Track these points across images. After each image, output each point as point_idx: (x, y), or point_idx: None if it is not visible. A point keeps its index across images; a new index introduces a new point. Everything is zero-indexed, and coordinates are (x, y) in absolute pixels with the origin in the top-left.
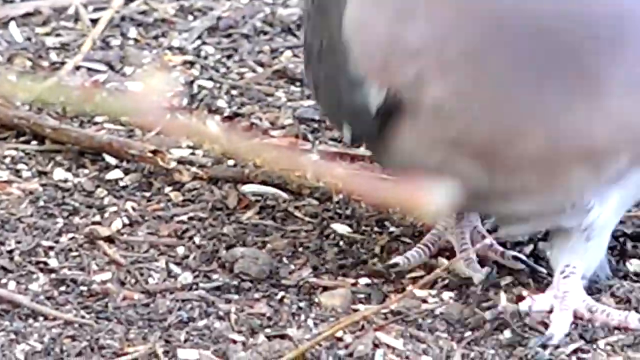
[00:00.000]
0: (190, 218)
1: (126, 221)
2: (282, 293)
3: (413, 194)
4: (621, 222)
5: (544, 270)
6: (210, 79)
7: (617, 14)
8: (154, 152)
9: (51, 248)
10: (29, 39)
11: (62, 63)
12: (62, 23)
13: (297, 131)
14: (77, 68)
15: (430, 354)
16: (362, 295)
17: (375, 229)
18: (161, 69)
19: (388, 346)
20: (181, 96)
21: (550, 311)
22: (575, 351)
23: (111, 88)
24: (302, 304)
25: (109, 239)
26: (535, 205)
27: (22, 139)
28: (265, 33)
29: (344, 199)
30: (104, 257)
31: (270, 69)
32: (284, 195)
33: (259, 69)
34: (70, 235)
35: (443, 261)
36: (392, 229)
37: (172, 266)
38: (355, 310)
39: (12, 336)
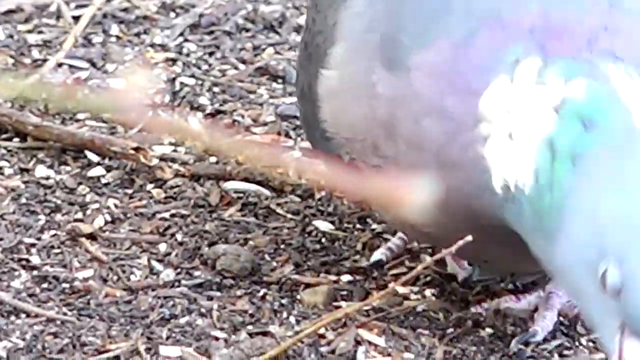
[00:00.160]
0: (173, 215)
1: (108, 218)
2: (264, 290)
3: (395, 190)
4: None
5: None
6: (193, 76)
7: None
8: (136, 149)
9: (33, 245)
10: (11, 36)
11: (44, 60)
12: (44, 20)
13: (279, 128)
14: (59, 65)
15: (412, 350)
16: (344, 292)
17: (358, 226)
18: (143, 66)
19: (370, 343)
20: (163, 93)
21: (535, 310)
22: (557, 347)
23: (93, 85)
24: (284, 301)
25: (91, 236)
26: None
27: (4, 136)
28: (248, 30)
29: (326, 196)
30: (86, 254)
31: (252, 66)
32: (266, 192)
33: (241, 66)
34: (52, 232)
35: (425, 258)
36: (374, 225)
37: (154, 263)
38: (337, 307)
39: None
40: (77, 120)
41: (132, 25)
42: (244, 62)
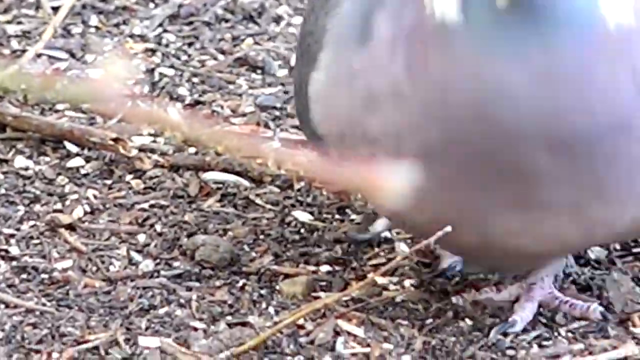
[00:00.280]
0: (152, 206)
1: (87, 209)
2: (243, 280)
3: (373, 178)
4: None
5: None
6: (172, 66)
7: (568, 135)
8: (115, 139)
9: (12, 236)
10: None
11: (23, 51)
12: (23, 11)
13: (259, 119)
14: (39, 56)
15: (392, 341)
16: (323, 283)
17: (337, 216)
18: (122, 56)
19: (349, 333)
20: (142, 84)
21: (515, 300)
22: (536, 338)
23: (72, 76)
24: (263, 292)
25: (70, 227)
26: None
27: None
28: (227, 21)
29: (306, 187)
30: (65, 245)
31: (231, 57)
32: (245, 182)
33: (220, 57)
34: (32, 223)
35: (404, 248)
36: (353, 216)
37: (133, 254)
38: (317, 298)
39: None
40: (57, 111)
41: (111, 15)
42: (223, 52)
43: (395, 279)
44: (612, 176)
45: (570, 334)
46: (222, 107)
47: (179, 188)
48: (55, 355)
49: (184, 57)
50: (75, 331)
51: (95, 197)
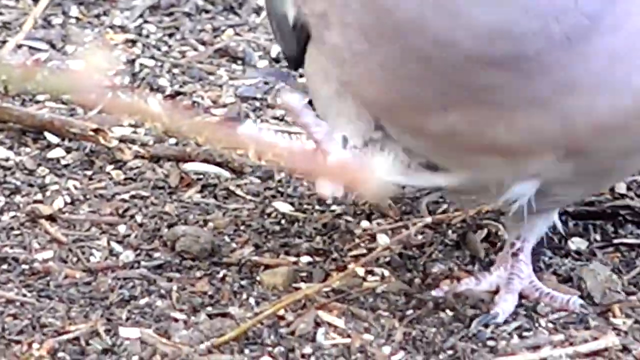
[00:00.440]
0: (132, 196)
1: (68, 200)
2: (223, 271)
3: (355, 170)
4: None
5: None
6: (152, 57)
7: (520, 34)
8: (96, 130)
9: None
10: None
11: (4, 42)
12: (4, 2)
13: (239, 109)
14: (19, 47)
15: (372, 332)
16: (303, 274)
17: (317, 207)
18: (103, 47)
19: (330, 324)
20: (123, 75)
21: (496, 292)
22: (517, 329)
23: (53, 67)
24: (243, 282)
25: (51, 218)
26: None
27: None
28: (207, 12)
29: (286, 178)
30: (46, 236)
31: (211, 48)
32: (226, 173)
33: (201, 48)
34: (12, 213)
35: (385, 239)
36: (333, 207)
37: (114, 244)
38: (297, 289)
39: None
40: (37, 102)
41: (92, 6)
42: (203, 43)
43: (375, 270)
44: (579, 70)
45: (550, 325)
46: (202, 98)
47: (159, 179)
48: (35, 345)
49: (165, 48)
50: (55, 322)
51: (75, 187)
